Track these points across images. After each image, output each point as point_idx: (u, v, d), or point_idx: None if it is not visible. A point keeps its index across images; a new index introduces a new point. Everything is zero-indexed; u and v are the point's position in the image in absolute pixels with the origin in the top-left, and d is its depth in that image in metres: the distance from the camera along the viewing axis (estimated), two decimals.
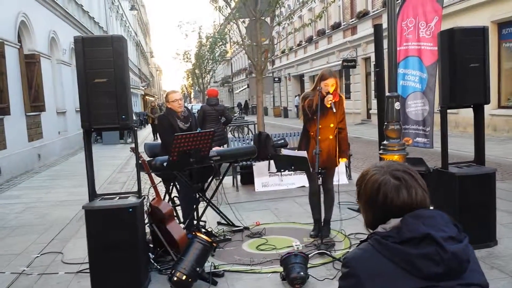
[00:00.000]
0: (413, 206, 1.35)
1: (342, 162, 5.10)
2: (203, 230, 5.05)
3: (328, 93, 4.76)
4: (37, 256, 4.88)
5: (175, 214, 5.04)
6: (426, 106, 6.12)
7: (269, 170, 7.66)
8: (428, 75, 6.01)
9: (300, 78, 34.50)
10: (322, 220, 5.03)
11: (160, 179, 5.54)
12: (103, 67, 3.79)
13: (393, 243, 1.29)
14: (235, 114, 25.40)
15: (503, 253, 4.26)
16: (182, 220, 5.40)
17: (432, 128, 6.09)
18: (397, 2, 5.47)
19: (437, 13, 6.00)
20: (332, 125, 4.89)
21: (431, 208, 1.40)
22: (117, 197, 4.07)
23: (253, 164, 7.75)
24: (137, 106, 38.24)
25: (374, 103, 19.81)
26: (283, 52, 36.06)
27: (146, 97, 49.87)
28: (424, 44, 6.03)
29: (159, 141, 5.55)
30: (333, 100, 4.74)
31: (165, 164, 4.69)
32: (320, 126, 4.83)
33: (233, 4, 11.14)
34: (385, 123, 5.30)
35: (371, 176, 1.41)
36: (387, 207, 1.37)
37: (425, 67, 6.03)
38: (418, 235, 1.28)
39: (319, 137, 4.88)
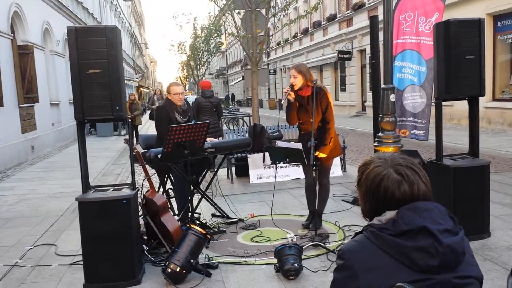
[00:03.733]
0: (414, 200, 1.34)
1: (321, 156, 4.73)
2: (198, 222, 5.04)
3: (291, 85, 4.89)
4: (30, 248, 4.86)
5: (169, 206, 5.03)
6: (424, 99, 6.13)
7: (264, 162, 7.65)
8: (427, 68, 6.01)
9: None
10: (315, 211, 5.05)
11: (154, 171, 5.52)
12: (97, 57, 3.73)
13: (389, 235, 1.28)
14: (230, 107, 25.32)
15: (496, 244, 4.28)
16: (176, 212, 5.39)
17: (429, 121, 6.10)
18: None
19: (439, 9, 5.98)
20: (311, 120, 4.75)
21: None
22: (111, 189, 4.05)
23: (248, 156, 7.74)
24: None
25: (369, 95, 19.81)
26: (278, 44, 35.94)
27: (141, 88, 49.65)
28: (424, 39, 6.02)
29: (153, 133, 5.51)
30: (287, 92, 4.87)
31: (159, 156, 4.67)
32: (300, 120, 4.96)
33: None
34: (380, 115, 5.30)
35: (374, 167, 1.40)
36: (387, 200, 1.36)
37: (425, 61, 6.03)
38: (414, 228, 1.27)
39: (302, 132, 4.94)
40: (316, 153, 4.69)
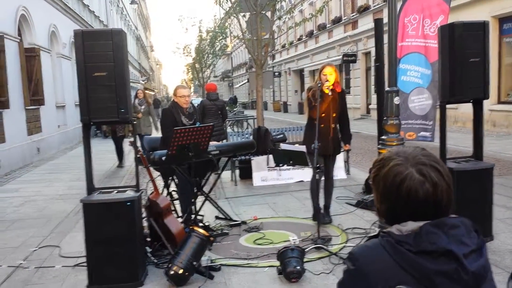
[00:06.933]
0: (436, 202, 1.23)
1: (346, 148, 5.54)
2: (201, 224, 5.05)
3: (327, 81, 5.08)
4: (35, 250, 4.89)
5: (173, 208, 5.04)
6: (429, 101, 6.12)
7: (267, 164, 7.65)
8: (432, 71, 6.00)
9: (300, 72, 34.46)
10: (322, 207, 5.28)
11: (158, 173, 5.54)
12: (103, 60, 3.77)
13: (408, 250, 1.18)
14: (235, 109, 25.35)
15: (499, 248, 4.27)
16: (180, 214, 5.41)
17: (435, 123, 6.09)
18: None
19: (444, 12, 5.97)
20: (334, 115, 5.18)
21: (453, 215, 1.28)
22: (115, 191, 4.07)
23: (252, 158, 7.75)
24: None
25: (374, 98, 19.77)
26: (283, 46, 35.98)
27: (146, 91, 49.83)
28: (429, 41, 6.02)
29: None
30: (331, 86, 5.06)
31: (163, 158, 4.69)
32: (323, 114, 5.09)
33: None
34: (384, 118, 5.30)
35: (394, 166, 1.26)
36: (409, 202, 1.23)
37: (430, 64, 6.02)
38: (438, 250, 1.17)
39: (322, 125, 5.03)
40: (346, 147, 5.52)
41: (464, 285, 1.16)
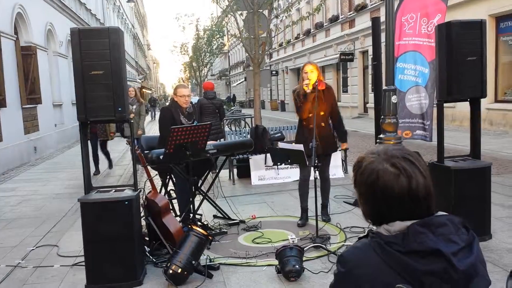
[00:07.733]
0: (414, 195, 1.22)
1: (344, 147, 5.57)
2: (199, 223, 5.05)
3: (307, 79, 5.03)
4: (33, 249, 4.87)
5: (171, 207, 5.04)
6: (426, 100, 6.13)
7: (265, 163, 7.66)
8: (430, 70, 6.01)
9: (297, 71, 34.40)
10: (320, 205, 5.24)
11: (156, 172, 5.53)
12: (100, 59, 3.75)
13: (397, 251, 1.18)
14: (232, 108, 25.34)
15: (497, 246, 4.28)
16: (178, 213, 5.40)
17: (432, 122, 6.10)
18: None
19: (441, 11, 5.98)
20: (322, 113, 5.09)
21: (440, 212, 1.27)
22: (113, 190, 4.07)
23: (250, 157, 7.75)
24: None
25: (371, 96, 19.79)
26: (280, 45, 35.96)
27: (143, 89, 49.71)
28: (426, 40, 6.03)
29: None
30: (310, 85, 4.98)
31: (161, 157, 4.68)
32: (310, 114, 5.06)
33: None
34: (382, 117, 5.31)
35: (368, 164, 1.28)
36: (387, 199, 1.24)
37: (428, 63, 6.03)
38: (426, 249, 1.17)
39: (310, 125, 5.05)
40: (344, 146, 5.52)
41: (454, 284, 1.17)
